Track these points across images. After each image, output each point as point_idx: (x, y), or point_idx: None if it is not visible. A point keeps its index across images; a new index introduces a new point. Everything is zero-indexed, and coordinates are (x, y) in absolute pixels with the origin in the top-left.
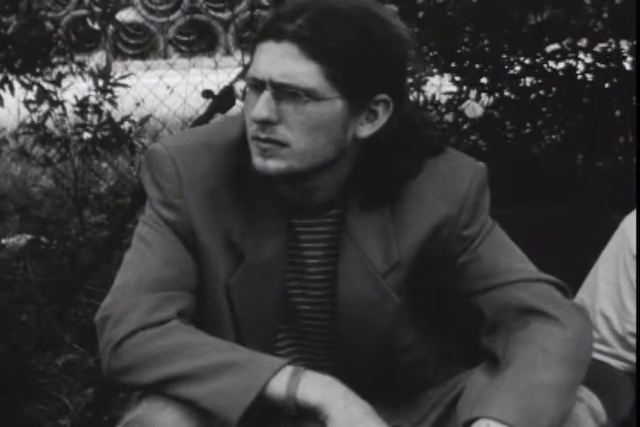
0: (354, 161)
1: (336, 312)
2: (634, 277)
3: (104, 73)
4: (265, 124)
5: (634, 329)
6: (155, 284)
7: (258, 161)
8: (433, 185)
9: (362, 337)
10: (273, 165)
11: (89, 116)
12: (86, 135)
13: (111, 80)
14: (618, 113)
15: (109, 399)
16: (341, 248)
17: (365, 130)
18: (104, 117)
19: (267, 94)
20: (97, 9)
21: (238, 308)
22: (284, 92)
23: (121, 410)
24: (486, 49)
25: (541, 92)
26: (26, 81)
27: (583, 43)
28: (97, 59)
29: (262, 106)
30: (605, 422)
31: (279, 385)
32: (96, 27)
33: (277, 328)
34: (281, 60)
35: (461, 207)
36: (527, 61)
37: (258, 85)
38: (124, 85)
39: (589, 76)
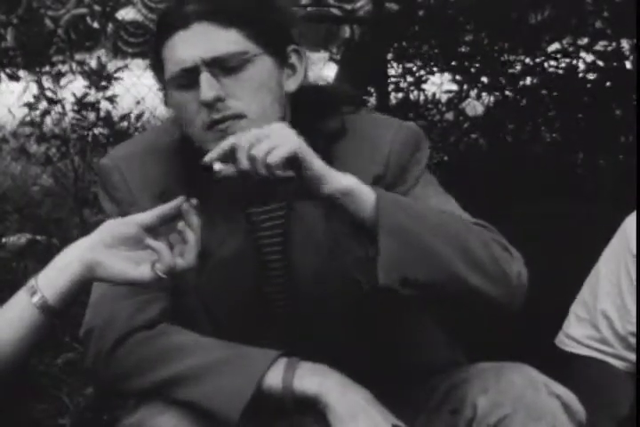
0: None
1: (298, 294)
2: (635, 277)
3: (99, 70)
4: (215, 103)
5: (635, 329)
6: (130, 290)
7: None
8: (357, 149)
9: (326, 314)
10: None
11: (87, 114)
12: (85, 133)
13: (104, 74)
14: (618, 112)
15: (109, 399)
16: (292, 230)
17: (291, 84)
18: (102, 115)
19: (205, 75)
20: (97, 7)
21: (212, 306)
22: (218, 66)
23: (120, 410)
24: (487, 48)
25: (542, 91)
26: (10, 72)
27: (583, 41)
28: (97, 57)
29: (207, 86)
30: (584, 420)
31: (275, 378)
32: (96, 25)
33: (254, 321)
34: (201, 40)
35: (386, 167)
36: (527, 60)
37: (186, 77)
38: (117, 78)
39: (590, 75)
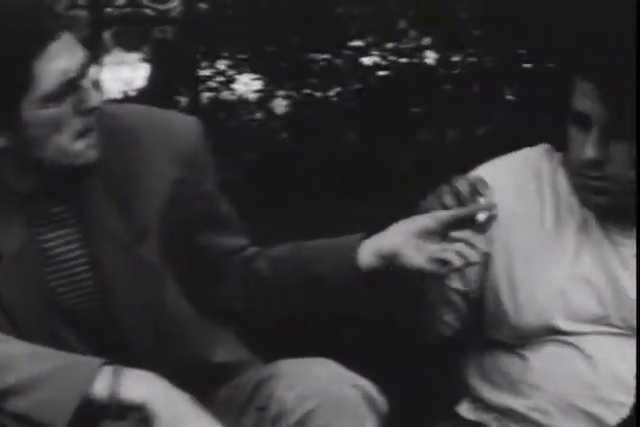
0: None
1: (105, 292)
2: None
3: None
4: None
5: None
6: None
7: None
8: (157, 148)
9: (135, 314)
10: None
11: None
12: None
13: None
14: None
15: None
16: (85, 230)
17: None
18: None
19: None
20: None
21: (7, 308)
22: None
23: None
24: (293, 47)
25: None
26: None
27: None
28: None
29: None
30: (384, 410)
31: (101, 387)
32: None
33: (54, 322)
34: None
35: (191, 167)
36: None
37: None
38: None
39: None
